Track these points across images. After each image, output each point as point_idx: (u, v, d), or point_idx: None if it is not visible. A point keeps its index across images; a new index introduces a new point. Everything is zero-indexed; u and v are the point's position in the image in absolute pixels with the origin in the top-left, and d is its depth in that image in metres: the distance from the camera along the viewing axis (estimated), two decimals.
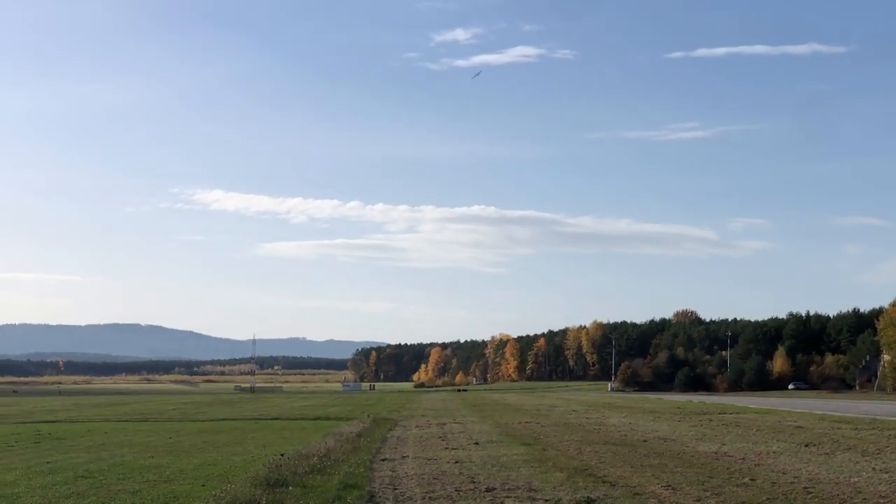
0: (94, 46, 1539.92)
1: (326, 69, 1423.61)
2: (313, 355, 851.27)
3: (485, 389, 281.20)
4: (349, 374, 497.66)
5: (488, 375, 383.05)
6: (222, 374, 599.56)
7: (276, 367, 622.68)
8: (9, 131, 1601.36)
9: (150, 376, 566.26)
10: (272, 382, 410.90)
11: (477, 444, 47.55)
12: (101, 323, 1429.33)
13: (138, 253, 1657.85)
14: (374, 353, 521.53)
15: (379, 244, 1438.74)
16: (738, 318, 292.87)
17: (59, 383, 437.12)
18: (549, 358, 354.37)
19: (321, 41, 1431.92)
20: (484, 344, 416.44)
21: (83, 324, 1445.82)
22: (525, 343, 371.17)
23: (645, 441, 48.57)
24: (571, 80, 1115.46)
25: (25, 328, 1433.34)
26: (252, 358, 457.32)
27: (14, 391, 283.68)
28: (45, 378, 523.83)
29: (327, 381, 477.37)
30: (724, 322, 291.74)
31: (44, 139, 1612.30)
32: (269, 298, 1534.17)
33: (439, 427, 64.53)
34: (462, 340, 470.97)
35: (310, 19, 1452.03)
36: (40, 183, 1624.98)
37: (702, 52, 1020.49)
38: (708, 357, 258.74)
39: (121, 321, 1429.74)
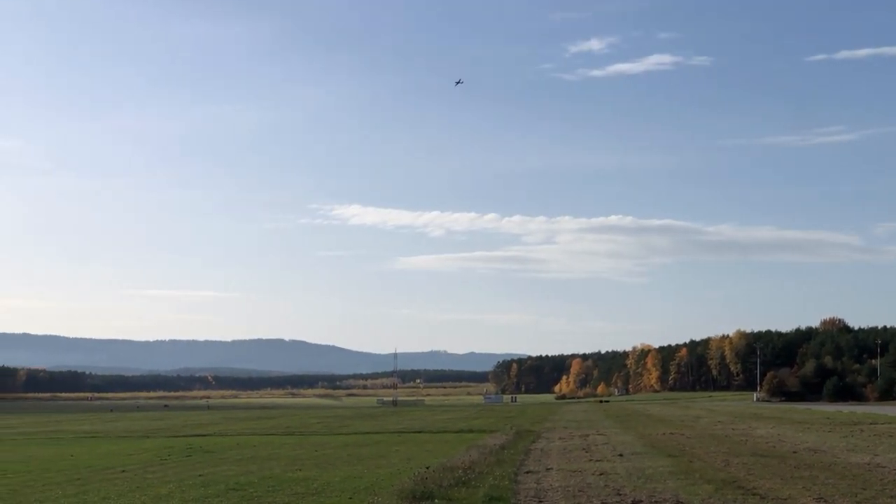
0: (237, 69, 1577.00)
1: (466, 83, 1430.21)
2: (454, 368, 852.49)
3: (627, 400, 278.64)
4: (490, 387, 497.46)
5: (630, 386, 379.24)
6: (364, 387, 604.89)
7: (417, 381, 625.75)
8: (155, 153, 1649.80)
9: (294, 390, 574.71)
10: (414, 396, 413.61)
11: (621, 455, 47.19)
12: (247, 338, 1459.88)
13: (281, 269, 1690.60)
14: (514, 364, 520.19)
15: (517, 256, 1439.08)
16: (889, 326, 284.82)
17: (208, 398, 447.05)
18: (691, 368, 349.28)
19: (457, 55, 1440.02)
20: (625, 354, 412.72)
21: (229, 339, 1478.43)
22: (667, 353, 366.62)
23: (794, 452, 47.60)
24: (709, 87, 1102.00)
25: (175, 344, 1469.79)
26: (393, 371, 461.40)
27: (165, 406, 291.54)
28: (194, 392, 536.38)
29: (468, 393, 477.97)
30: (874, 330, 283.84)
31: (188, 160, 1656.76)
32: (408, 312, 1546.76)
33: (582, 439, 64.22)
34: (603, 351, 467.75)
35: (445, 34, 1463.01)
36: (186, 202, 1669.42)
37: (844, 54, 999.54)
38: (857, 366, 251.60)
39: (265, 336, 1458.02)
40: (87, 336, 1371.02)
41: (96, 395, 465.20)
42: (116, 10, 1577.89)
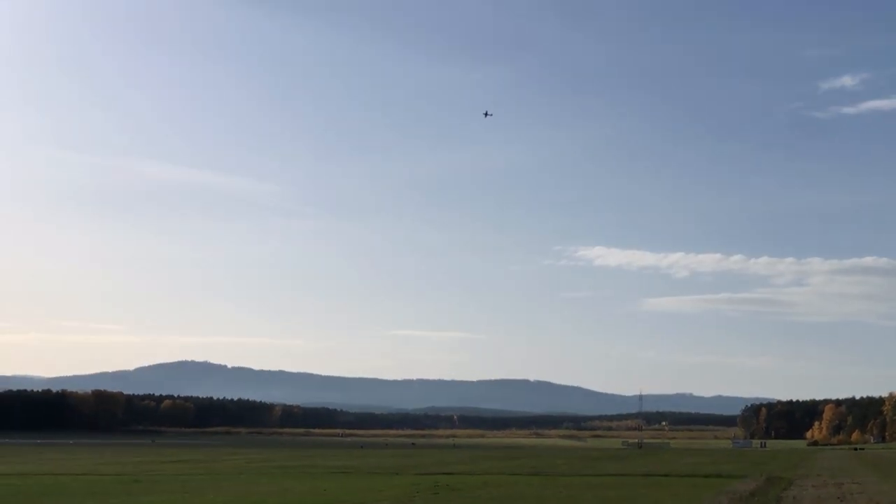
0: (481, 112, 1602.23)
1: (713, 122, 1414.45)
2: (701, 411, 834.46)
3: (883, 448, 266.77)
4: (738, 431, 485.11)
5: (886, 434, 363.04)
6: (609, 429, 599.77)
7: (662, 423, 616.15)
8: (404, 195, 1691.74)
9: (538, 431, 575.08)
10: (659, 438, 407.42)
11: None
12: (492, 378, 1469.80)
13: (524, 310, 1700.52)
14: (763, 409, 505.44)
15: (765, 298, 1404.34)
16: None
17: (454, 436, 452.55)
18: None
19: (704, 94, 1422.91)
20: (881, 401, 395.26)
21: (475, 379, 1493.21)
22: None
23: None
24: None
25: (422, 383, 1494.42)
26: (638, 413, 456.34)
27: (412, 444, 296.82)
28: (441, 431, 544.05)
29: (716, 437, 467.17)
30: None
31: (436, 202, 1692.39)
32: (653, 353, 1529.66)
33: (837, 487, 62.09)
34: (857, 397, 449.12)
35: (691, 73, 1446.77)
36: (433, 243, 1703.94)
37: None
38: None
39: (510, 377, 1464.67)
40: (339, 374, 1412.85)
41: (347, 431, 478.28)
42: (364, 57, 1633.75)
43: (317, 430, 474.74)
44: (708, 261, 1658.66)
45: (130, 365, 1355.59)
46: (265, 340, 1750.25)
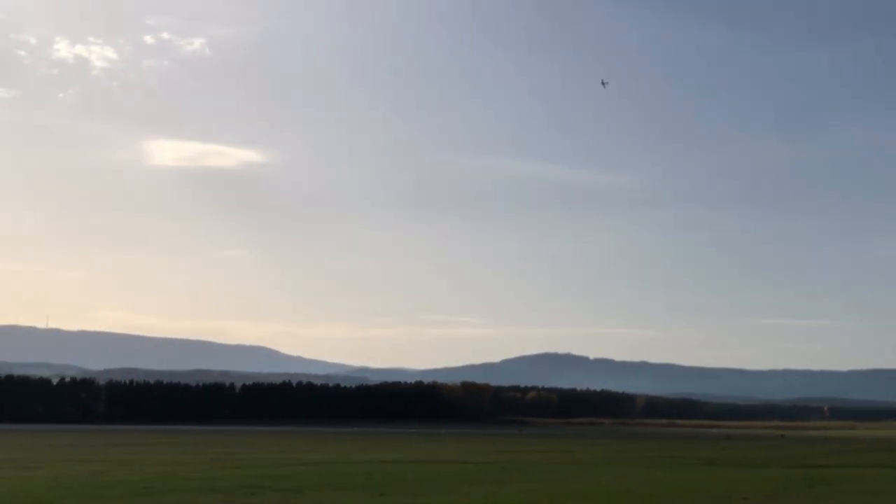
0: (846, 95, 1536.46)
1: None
2: None
3: None
4: None
5: None
6: None
7: None
8: (757, 183, 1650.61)
9: None
10: None
11: None
12: (864, 368, 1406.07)
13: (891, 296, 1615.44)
14: None
15: None
16: None
17: (825, 428, 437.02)
18: None
19: None
20: None
21: (845, 369, 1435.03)
22: None
23: None
24: None
25: (788, 373, 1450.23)
26: None
27: (781, 435, 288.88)
28: (810, 423, 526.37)
29: None
30: None
31: (794, 188, 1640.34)
32: None
33: None
34: None
35: None
36: (797, 229, 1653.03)
37: None
38: None
39: (884, 366, 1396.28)
40: (701, 365, 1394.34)
41: (712, 423, 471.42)
42: (720, 47, 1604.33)
43: (681, 422, 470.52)
44: None
45: (496, 357, 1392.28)
46: (625, 331, 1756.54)
